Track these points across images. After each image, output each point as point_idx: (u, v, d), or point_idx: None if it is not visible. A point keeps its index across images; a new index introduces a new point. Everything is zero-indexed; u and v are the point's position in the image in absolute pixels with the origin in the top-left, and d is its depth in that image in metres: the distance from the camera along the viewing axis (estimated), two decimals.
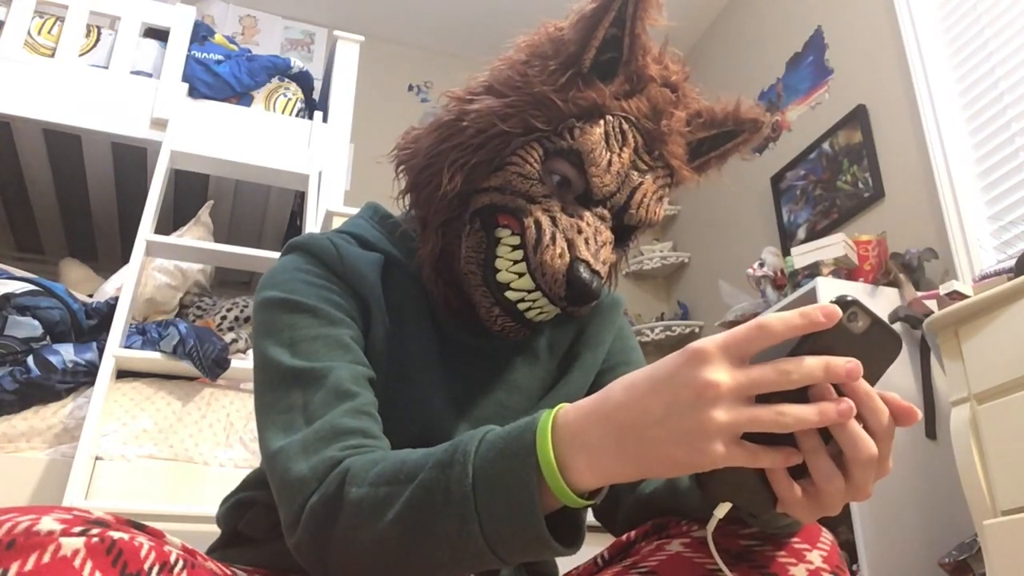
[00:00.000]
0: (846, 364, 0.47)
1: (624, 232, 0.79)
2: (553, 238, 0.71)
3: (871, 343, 0.49)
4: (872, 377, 0.49)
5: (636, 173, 0.75)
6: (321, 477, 0.61)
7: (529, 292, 0.73)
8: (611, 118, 0.74)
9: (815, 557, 0.63)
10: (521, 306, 0.74)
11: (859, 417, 0.48)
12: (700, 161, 0.83)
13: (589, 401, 0.53)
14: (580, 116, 0.74)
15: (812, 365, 0.47)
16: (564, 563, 0.80)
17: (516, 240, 0.73)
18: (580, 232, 0.72)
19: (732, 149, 0.84)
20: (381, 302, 0.77)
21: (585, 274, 0.70)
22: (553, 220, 0.72)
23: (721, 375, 0.47)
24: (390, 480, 0.57)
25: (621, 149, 0.74)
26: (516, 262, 0.73)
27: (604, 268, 0.73)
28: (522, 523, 0.52)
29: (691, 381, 0.47)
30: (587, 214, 0.73)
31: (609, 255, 0.74)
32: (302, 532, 0.60)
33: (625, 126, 0.74)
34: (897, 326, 2.19)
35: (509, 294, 0.74)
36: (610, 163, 0.73)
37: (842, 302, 0.49)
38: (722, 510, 0.54)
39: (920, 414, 0.50)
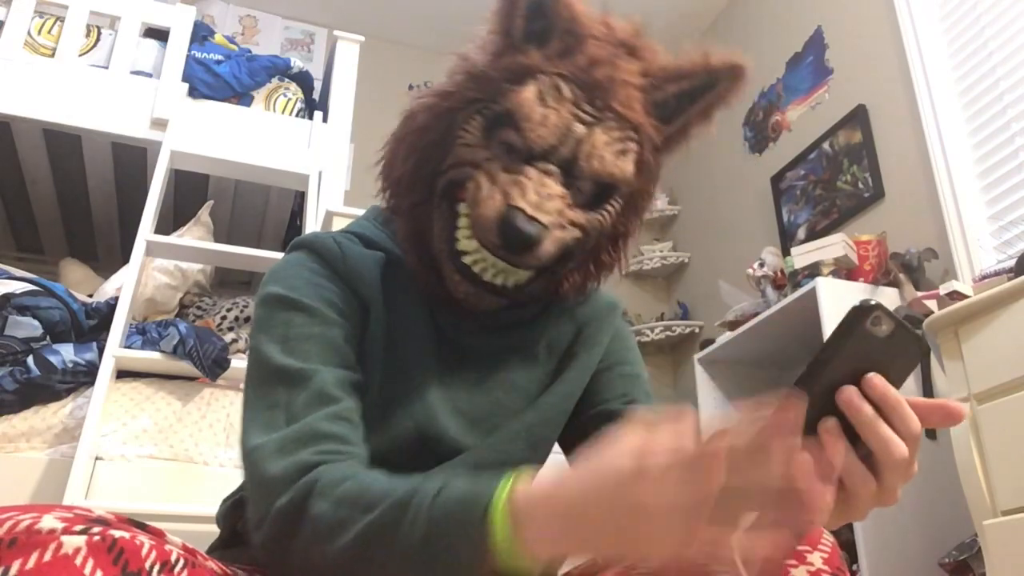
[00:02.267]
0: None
1: (599, 193, 0.76)
2: (491, 193, 0.72)
3: (895, 347, 0.50)
4: (897, 380, 0.50)
5: (580, 125, 0.73)
6: (291, 481, 0.61)
7: (476, 251, 0.73)
8: (543, 76, 0.74)
9: (816, 559, 0.63)
10: (475, 268, 0.74)
11: (888, 422, 0.49)
12: (682, 120, 0.80)
13: (544, 488, 0.50)
14: (510, 80, 0.74)
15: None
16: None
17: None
18: (518, 184, 0.71)
19: (714, 103, 0.80)
20: (380, 301, 0.78)
21: (519, 220, 0.69)
22: (491, 178, 0.73)
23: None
24: (351, 504, 0.58)
25: (559, 104, 0.73)
26: (468, 228, 0.74)
27: (553, 218, 0.71)
28: None
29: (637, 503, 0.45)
30: (529, 169, 0.72)
31: (564, 208, 0.72)
32: (266, 533, 0.62)
33: (559, 82, 0.74)
34: None
35: (464, 258, 0.74)
36: (545, 117, 0.72)
37: (865, 306, 0.49)
38: None
39: (965, 411, 0.50)
